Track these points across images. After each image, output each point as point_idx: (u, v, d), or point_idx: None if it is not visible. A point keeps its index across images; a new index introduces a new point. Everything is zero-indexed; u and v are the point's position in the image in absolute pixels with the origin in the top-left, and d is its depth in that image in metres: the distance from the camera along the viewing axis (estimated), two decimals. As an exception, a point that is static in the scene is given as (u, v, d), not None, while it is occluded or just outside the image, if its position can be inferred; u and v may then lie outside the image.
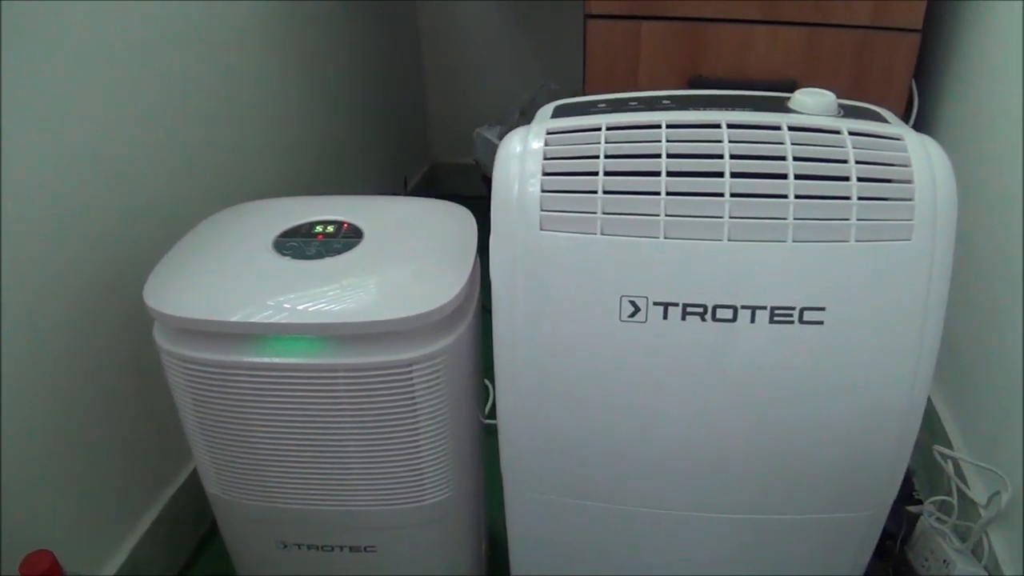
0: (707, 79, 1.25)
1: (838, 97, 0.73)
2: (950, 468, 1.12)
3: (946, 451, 1.14)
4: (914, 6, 1.21)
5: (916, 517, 1.15)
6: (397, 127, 1.96)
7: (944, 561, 1.06)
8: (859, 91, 1.27)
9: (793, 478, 0.77)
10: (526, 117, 1.87)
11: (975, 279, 1.17)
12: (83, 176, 0.91)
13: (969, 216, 1.18)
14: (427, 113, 2.16)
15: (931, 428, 1.25)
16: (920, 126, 1.37)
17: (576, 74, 1.39)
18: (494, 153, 0.79)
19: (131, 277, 0.98)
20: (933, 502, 1.15)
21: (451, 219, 0.89)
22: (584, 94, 1.31)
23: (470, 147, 1.85)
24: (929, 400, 1.25)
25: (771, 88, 1.22)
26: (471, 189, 1.82)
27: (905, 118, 1.34)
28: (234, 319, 0.75)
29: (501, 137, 1.73)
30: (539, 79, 2.01)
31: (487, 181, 1.84)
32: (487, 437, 0.95)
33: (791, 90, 0.74)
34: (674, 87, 1.27)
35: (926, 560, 1.10)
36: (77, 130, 0.90)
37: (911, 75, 1.28)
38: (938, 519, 1.12)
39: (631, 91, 0.79)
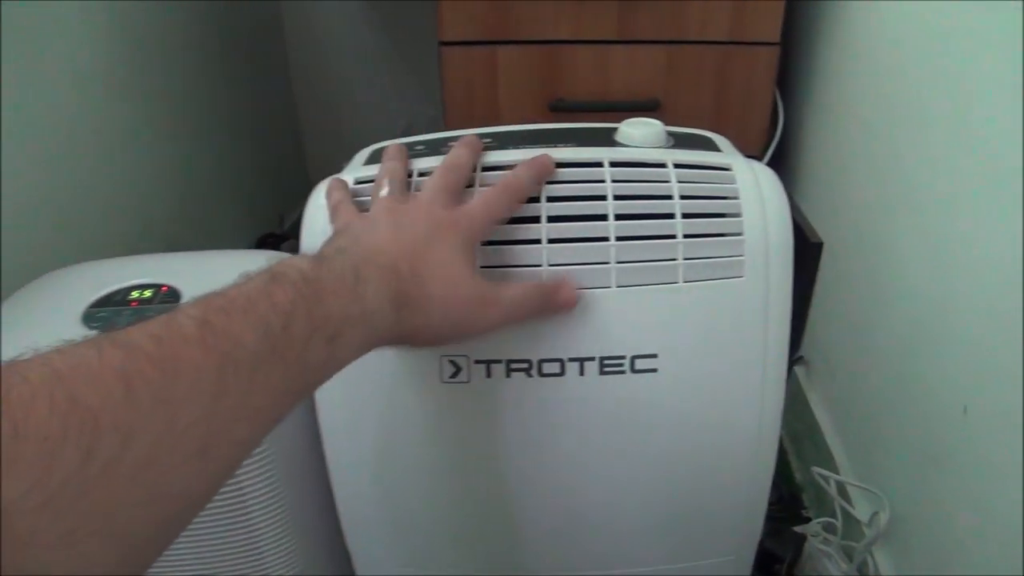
0: (568, 102, 1.22)
1: (697, 112, 0.69)
2: (833, 489, 1.10)
3: (824, 472, 1.12)
4: (770, 20, 1.20)
5: (803, 539, 1.13)
6: (270, 163, 1.88)
7: (832, 584, 1.03)
8: (723, 105, 1.25)
9: (651, 530, 0.73)
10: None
11: (846, 291, 1.15)
12: None
13: (838, 225, 1.17)
14: (304, 147, 2.09)
15: (817, 446, 1.23)
16: (787, 136, 1.36)
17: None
18: None
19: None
20: (819, 523, 1.13)
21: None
22: (443, 123, 1.27)
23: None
24: (813, 416, 1.24)
25: (633, 108, 1.19)
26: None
27: (771, 129, 1.33)
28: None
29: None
30: (416, 105, 1.97)
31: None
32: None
33: (654, 109, 0.70)
34: (535, 112, 1.23)
35: (815, 583, 1.08)
36: None
37: (773, 86, 1.27)
38: (824, 540, 1.10)
39: (492, 118, 0.75)
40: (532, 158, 0.62)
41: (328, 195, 0.63)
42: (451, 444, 0.67)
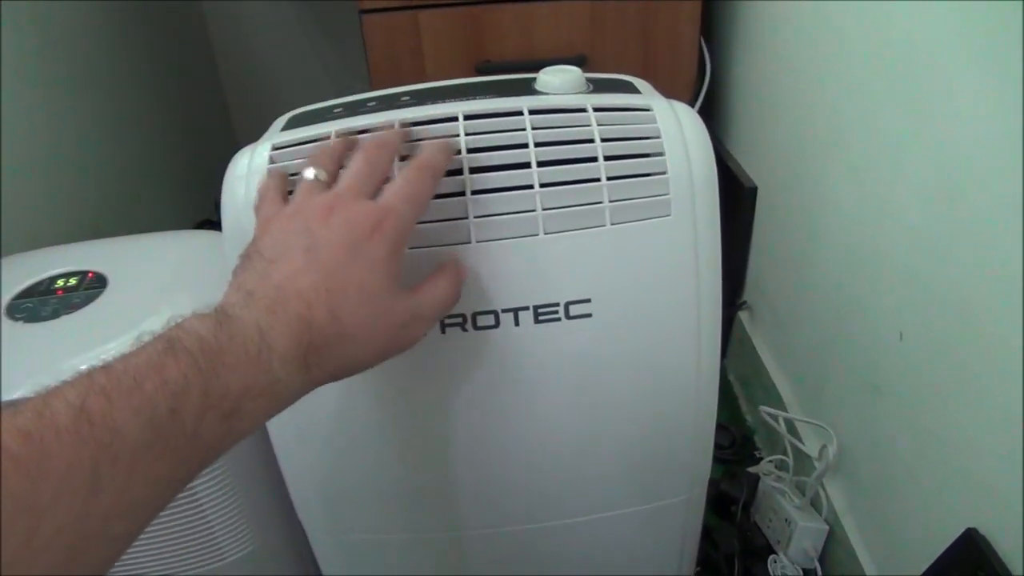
0: (495, 64, 1.21)
1: (624, 66, 0.69)
2: (782, 426, 1.12)
3: (772, 410, 1.13)
4: (690, -32, 1.20)
5: (757, 479, 1.14)
6: (202, 148, 1.85)
7: (786, 519, 1.05)
8: (649, 58, 1.26)
9: (601, 476, 0.73)
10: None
11: (781, 231, 1.17)
12: None
13: (769, 166, 1.18)
14: (233, 130, 2.05)
15: (764, 386, 1.25)
16: (715, 85, 1.36)
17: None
18: None
19: None
20: (771, 461, 1.15)
21: (207, 251, 0.82)
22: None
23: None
24: (758, 358, 1.26)
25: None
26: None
27: (699, 79, 1.33)
28: (-43, 401, 0.66)
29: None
30: (344, 80, 1.94)
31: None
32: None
33: (581, 65, 0.70)
34: (462, 76, 1.22)
35: (770, 521, 1.10)
36: None
37: (698, 37, 1.27)
38: (777, 478, 1.12)
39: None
40: (435, 140, 0.59)
41: (260, 184, 0.59)
42: (391, 404, 0.66)
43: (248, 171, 0.63)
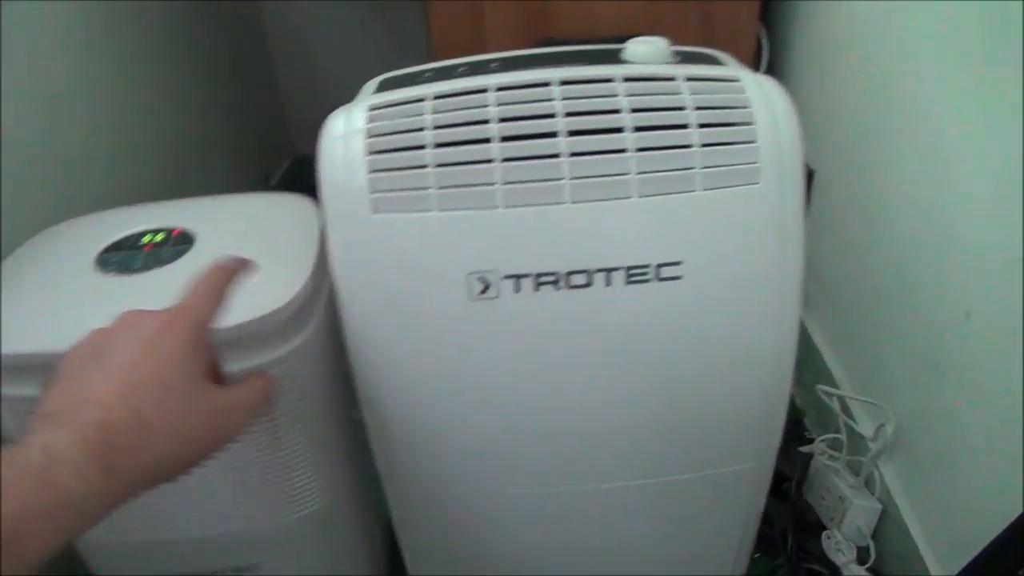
0: (557, 40, 1.22)
1: (681, 45, 0.70)
2: (836, 405, 1.13)
3: (830, 389, 1.14)
4: (753, -49, 1.21)
5: (810, 458, 1.15)
6: (253, 122, 1.87)
7: (840, 498, 1.06)
8: (707, 41, 1.25)
9: (673, 438, 0.74)
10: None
11: (839, 213, 1.17)
12: None
13: (825, 151, 1.18)
14: (284, 104, 2.07)
15: (815, 367, 1.25)
16: (773, 69, 1.37)
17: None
18: None
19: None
20: (824, 440, 1.16)
21: (290, 212, 0.83)
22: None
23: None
24: (810, 339, 1.27)
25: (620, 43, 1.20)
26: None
27: (756, 62, 1.34)
28: (56, 349, 0.67)
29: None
30: (395, 57, 1.95)
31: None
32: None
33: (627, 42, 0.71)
34: (525, 52, 1.23)
35: (823, 499, 1.11)
36: None
37: (757, 20, 1.28)
38: (830, 457, 1.13)
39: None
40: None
41: None
42: (480, 362, 0.68)
43: (345, 132, 0.64)
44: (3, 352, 0.68)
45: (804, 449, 1.17)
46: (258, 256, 0.76)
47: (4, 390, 0.70)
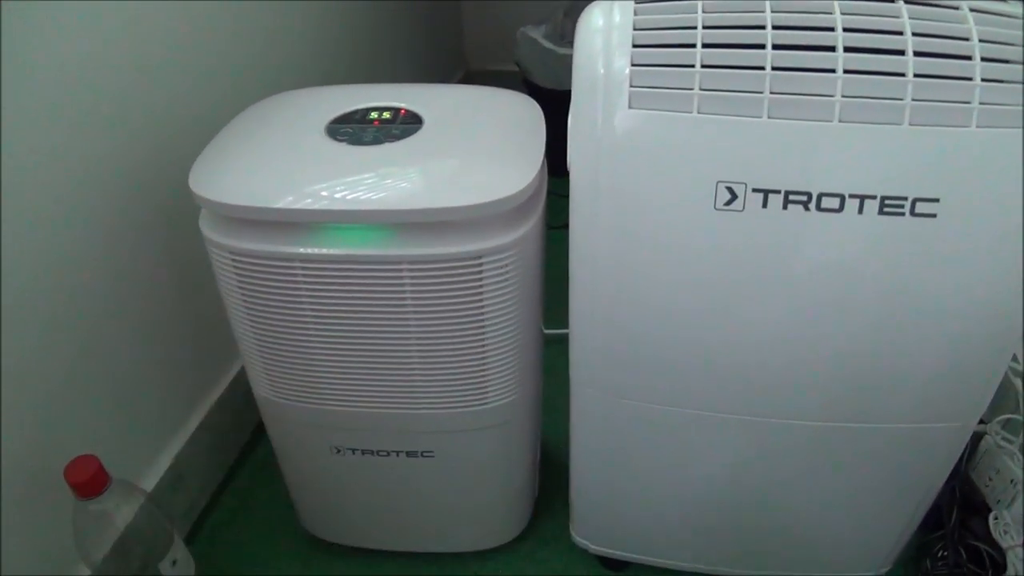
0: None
1: None
2: (1019, 384, 1.08)
3: (1018, 367, 1.09)
4: None
5: (979, 437, 1.11)
6: (429, 34, 1.88)
7: (1012, 481, 1.02)
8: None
9: (885, 385, 0.72)
10: (570, 18, 1.78)
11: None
12: (112, 63, 0.85)
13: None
14: (462, 19, 2.07)
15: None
16: None
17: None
18: (538, 55, 0.72)
19: (169, 172, 0.93)
20: (998, 421, 1.11)
21: (516, 107, 0.83)
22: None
23: (506, 53, 1.77)
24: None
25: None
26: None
27: None
28: (288, 206, 0.70)
29: (546, 36, 1.66)
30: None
31: (529, 85, 1.76)
32: (546, 347, 0.91)
33: None
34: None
35: (990, 480, 1.07)
36: (103, 19, 0.84)
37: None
38: (1004, 439, 1.08)
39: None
40: None
41: None
42: (710, 275, 0.66)
43: (607, 24, 0.63)
44: (235, 203, 0.70)
45: (976, 428, 1.12)
46: (486, 143, 0.77)
47: (227, 241, 0.73)
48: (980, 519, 1.04)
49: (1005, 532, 1.00)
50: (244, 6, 1.10)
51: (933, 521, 1.07)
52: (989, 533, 1.02)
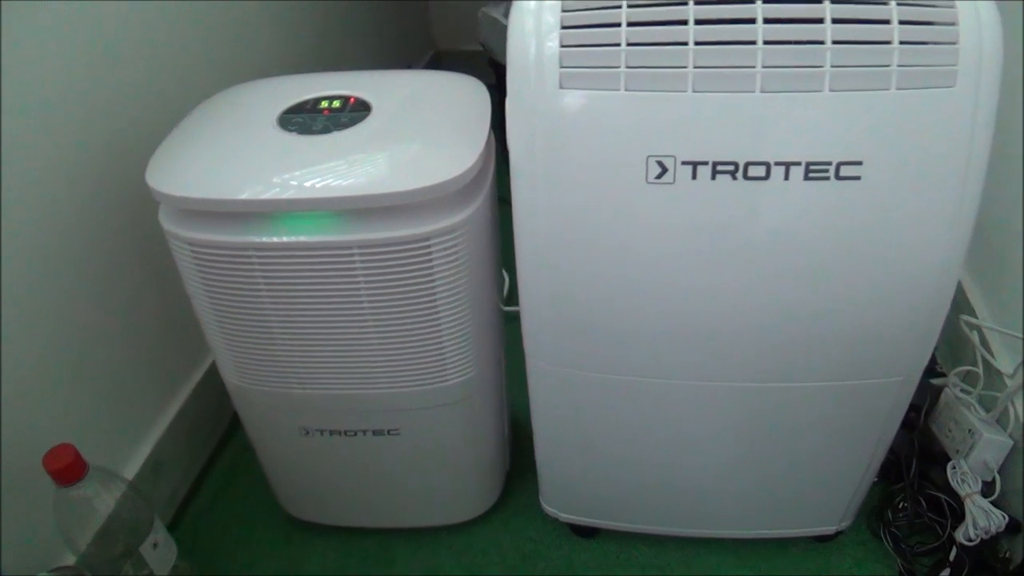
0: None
1: None
2: (975, 338, 1.10)
3: (972, 320, 1.12)
4: None
5: (939, 390, 1.14)
6: (398, 13, 1.89)
7: (969, 430, 1.05)
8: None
9: (824, 344, 0.75)
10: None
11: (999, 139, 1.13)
12: (65, 59, 0.87)
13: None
14: (427, 2, 2.08)
15: (956, 299, 1.22)
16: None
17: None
18: (501, 34, 0.74)
19: (131, 163, 0.95)
20: (957, 373, 1.14)
21: (462, 90, 0.85)
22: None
23: (474, 32, 1.78)
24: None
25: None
26: (478, 76, 1.77)
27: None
28: (242, 197, 0.72)
29: (507, 15, 1.67)
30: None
31: (494, 65, 1.77)
32: (507, 324, 0.93)
33: None
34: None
35: (950, 431, 1.09)
36: (54, 9, 0.85)
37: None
38: (962, 390, 1.11)
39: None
40: None
41: None
42: (646, 246, 0.69)
43: (539, 5, 0.64)
44: (192, 196, 0.72)
45: (936, 381, 1.15)
46: (432, 128, 0.79)
47: (185, 233, 0.75)
48: (940, 469, 1.07)
49: (962, 480, 1.03)
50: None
51: (895, 473, 1.10)
52: (948, 483, 1.05)
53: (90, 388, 0.95)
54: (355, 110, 0.80)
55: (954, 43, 0.61)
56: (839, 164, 0.63)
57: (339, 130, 0.77)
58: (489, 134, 0.78)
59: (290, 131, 0.77)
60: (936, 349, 1.27)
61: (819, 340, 0.74)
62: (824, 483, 0.91)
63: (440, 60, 2.14)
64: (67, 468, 0.77)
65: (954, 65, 0.61)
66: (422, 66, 2.05)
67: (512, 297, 0.92)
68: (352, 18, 1.65)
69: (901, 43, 0.60)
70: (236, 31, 1.22)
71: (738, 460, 0.89)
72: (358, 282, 0.75)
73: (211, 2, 1.14)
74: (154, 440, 1.06)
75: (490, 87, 0.87)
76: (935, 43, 0.61)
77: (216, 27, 1.17)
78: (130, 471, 1.02)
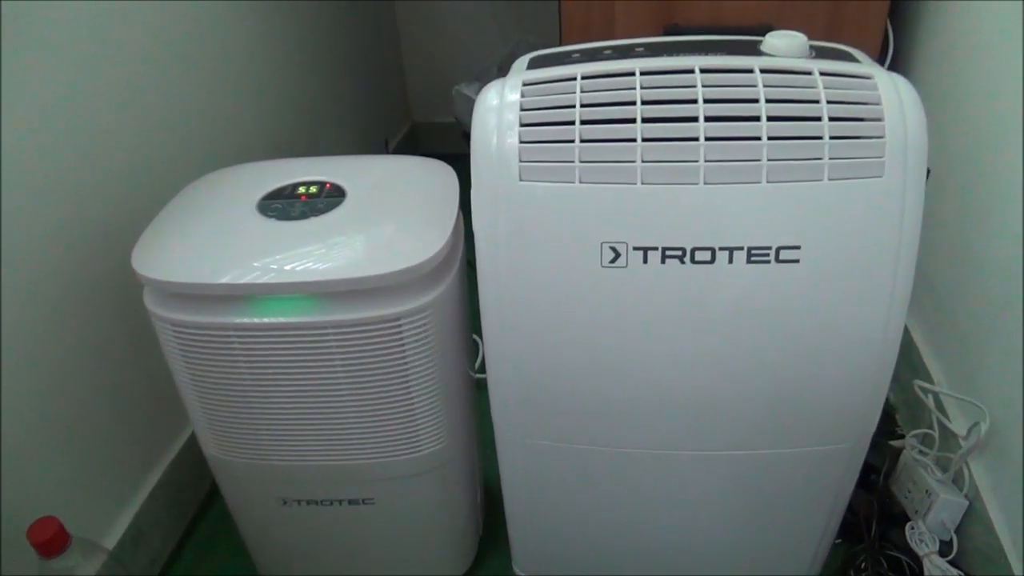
0: (683, 28, 1.26)
1: (812, 40, 0.74)
2: (931, 402, 1.15)
3: (926, 385, 1.17)
4: (885, -52, 1.22)
5: (899, 452, 1.18)
6: (376, 88, 1.96)
7: (926, 491, 1.09)
8: (834, 34, 1.28)
9: (775, 414, 0.79)
10: (504, 72, 1.86)
11: (950, 213, 1.19)
12: (53, 144, 0.92)
13: (944, 151, 1.19)
14: (406, 72, 2.15)
15: (911, 364, 1.27)
16: (896, 67, 1.38)
17: (554, 27, 1.40)
18: (473, 111, 0.79)
19: (117, 245, 0.99)
20: (915, 435, 1.18)
21: (432, 175, 0.90)
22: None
23: (450, 105, 1.85)
24: (908, 335, 1.28)
25: (746, 34, 1.23)
26: (453, 147, 1.81)
27: (881, 60, 1.35)
28: (223, 281, 0.76)
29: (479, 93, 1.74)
30: (516, 33, 2.01)
31: (468, 138, 1.83)
32: (479, 391, 0.97)
33: (766, 35, 0.75)
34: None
35: (909, 491, 1.13)
36: (42, 95, 0.90)
37: (886, 17, 1.29)
38: (920, 452, 1.15)
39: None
40: None
41: None
42: (602, 325, 0.73)
43: (500, 104, 0.70)
44: (176, 280, 0.77)
45: (895, 443, 1.19)
46: (403, 213, 0.84)
47: (169, 314, 0.79)
48: (900, 530, 1.11)
49: (920, 541, 1.07)
50: (178, 80, 1.17)
51: (856, 534, 1.13)
52: (908, 543, 1.08)
53: (74, 459, 0.98)
54: (331, 195, 0.85)
55: (881, 137, 0.66)
56: (778, 248, 0.68)
57: (316, 215, 0.81)
58: (457, 216, 0.83)
59: (270, 217, 0.82)
60: (896, 412, 1.32)
61: (769, 410, 0.78)
62: (785, 544, 0.95)
63: (417, 131, 2.21)
64: (51, 540, 0.79)
65: (881, 157, 0.66)
66: (400, 137, 2.11)
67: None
68: (334, 92, 1.71)
69: (832, 138, 0.66)
70: (221, 111, 1.28)
71: (702, 519, 0.92)
72: (333, 360, 0.79)
73: (197, 85, 1.20)
74: (135, 509, 1.09)
75: (465, 156, 0.92)
76: (863, 137, 0.66)
77: (202, 109, 1.22)
78: (111, 540, 1.04)
